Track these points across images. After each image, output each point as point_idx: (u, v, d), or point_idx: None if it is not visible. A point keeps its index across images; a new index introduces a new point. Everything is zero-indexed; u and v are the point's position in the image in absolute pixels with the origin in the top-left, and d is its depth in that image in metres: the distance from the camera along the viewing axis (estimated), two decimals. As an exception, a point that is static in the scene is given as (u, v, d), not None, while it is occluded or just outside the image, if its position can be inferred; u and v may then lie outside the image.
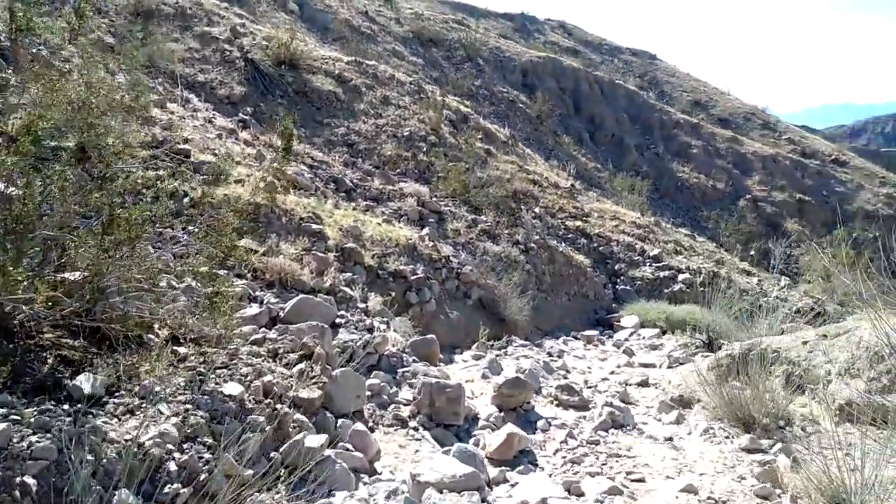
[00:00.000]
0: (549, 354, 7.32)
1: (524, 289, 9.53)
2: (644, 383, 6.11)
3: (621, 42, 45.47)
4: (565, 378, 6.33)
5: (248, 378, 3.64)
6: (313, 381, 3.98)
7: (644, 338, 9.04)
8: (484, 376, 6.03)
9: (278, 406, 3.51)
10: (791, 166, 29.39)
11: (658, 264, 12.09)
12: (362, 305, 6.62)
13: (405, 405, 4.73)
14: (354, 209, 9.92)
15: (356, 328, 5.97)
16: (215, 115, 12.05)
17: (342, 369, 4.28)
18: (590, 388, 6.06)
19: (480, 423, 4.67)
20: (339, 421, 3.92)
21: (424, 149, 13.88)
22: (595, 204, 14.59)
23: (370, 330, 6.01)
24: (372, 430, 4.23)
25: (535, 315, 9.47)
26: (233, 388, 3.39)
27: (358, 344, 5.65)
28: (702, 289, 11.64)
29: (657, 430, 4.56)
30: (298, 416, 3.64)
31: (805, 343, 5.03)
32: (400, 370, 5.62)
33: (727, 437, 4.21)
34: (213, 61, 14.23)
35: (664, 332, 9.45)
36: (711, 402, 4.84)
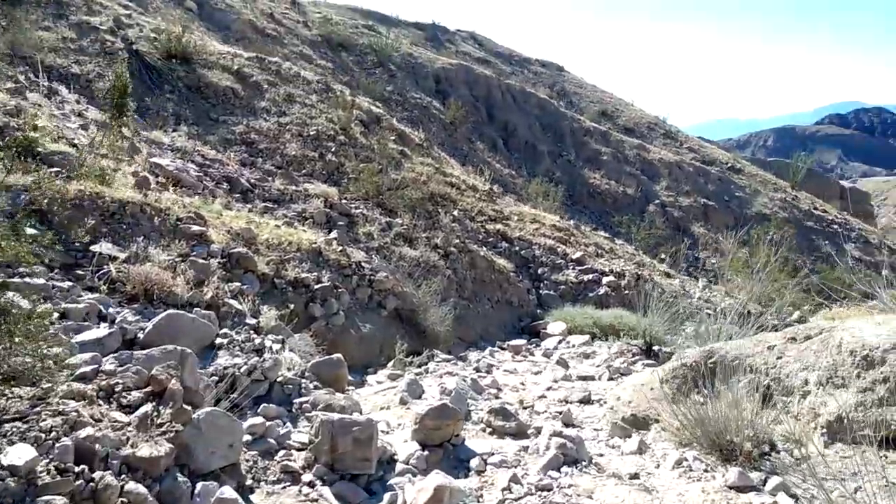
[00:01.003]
0: (477, 370, 6.41)
1: (445, 296, 8.62)
2: (587, 400, 5.30)
3: (530, 54, 46.06)
4: (497, 398, 5.43)
5: (53, 435, 2.45)
6: (161, 429, 2.83)
7: (574, 345, 8.33)
8: (402, 401, 5.02)
9: (97, 475, 2.35)
10: (694, 173, 30.32)
11: (581, 267, 11.53)
12: (252, 321, 5.45)
13: (299, 450, 3.64)
14: (250, 211, 8.68)
15: (242, 350, 4.80)
16: (88, 108, 10.49)
17: (209, 409, 3.14)
18: (526, 408, 5.18)
19: (398, 466, 3.66)
20: (200, 485, 2.79)
21: (333, 149, 12.76)
22: (514, 207, 13.95)
23: (260, 351, 4.86)
24: (250, 490, 3.12)
25: (458, 325, 8.56)
26: (18, 455, 2.20)
27: (242, 370, 4.49)
28: (627, 292, 11.19)
29: (618, 463, 3.72)
30: (132, 485, 2.49)
31: (771, 348, 4.37)
32: (296, 400, 4.51)
33: (706, 471, 3.43)
34: (90, 52, 12.62)
35: (593, 338, 8.79)
36: (673, 423, 4.07)
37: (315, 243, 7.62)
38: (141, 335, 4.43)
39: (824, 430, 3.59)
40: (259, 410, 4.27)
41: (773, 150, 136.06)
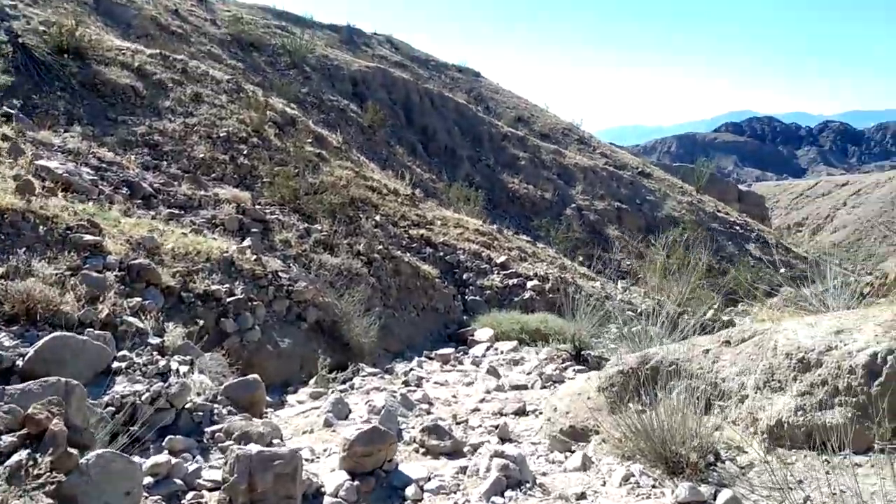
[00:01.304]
0: (406, 384, 6.08)
1: (369, 306, 8.24)
2: (522, 411, 5.11)
3: (447, 59, 46.32)
4: (429, 413, 5.13)
5: None
6: (39, 481, 2.35)
7: (502, 352, 8.18)
8: (327, 423, 4.63)
9: (-55, 552, 1.87)
10: (608, 177, 31.32)
11: (506, 272, 11.45)
12: (156, 341, 4.90)
13: (212, 490, 3.20)
14: (154, 218, 7.97)
15: (143, 374, 4.27)
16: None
17: (100, 452, 2.66)
18: (460, 423, 4.91)
19: (326, 500, 3.29)
20: (87, 547, 2.34)
21: (246, 151, 12.08)
22: (437, 212, 13.73)
23: (164, 375, 4.34)
24: (152, 546, 2.68)
25: (384, 335, 8.21)
26: None
27: (144, 398, 3.98)
28: (552, 295, 11.20)
29: (563, 482, 3.51)
30: (-4, 558, 2.02)
31: (707, 352, 4.33)
32: (208, 429, 4.04)
33: (654, 486, 3.28)
34: (-35, 45, 11.37)
35: (521, 344, 8.68)
36: (614, 434, 3.92)
37: (227, 252, 7.07)
38: (20, 362, 3.85)
39: (765, 436, 3.54)
40: (164, 444, 3.78)
41: (677, 155, 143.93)
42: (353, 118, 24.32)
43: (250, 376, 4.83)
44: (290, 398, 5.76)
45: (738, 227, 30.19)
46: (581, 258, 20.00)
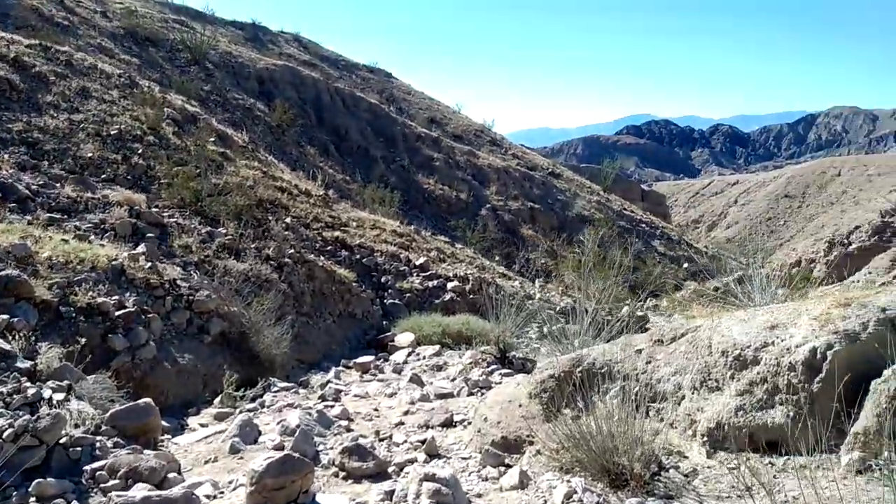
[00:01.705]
0: (323, 398, 5.60)
1: (281, 314, 7.68)
2: (449, 423, 4.78)
3: (357, 59, 45.61)
4: (349, 430, 4.71)
5: None
6: None
7: (424, 357, 7.84)
8: (234, 450, 4.12)
9: None
10: (521, 178, 31.76)
11: (425, 274, 11.14)
12: (25, 364, 4.20)
13: (87, 547, 2.66)
14: (30, 223, 7.06)
15: (6, 405, 3.61)
16: None
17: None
18: (383, 440, 4.53)
19: (232, 545, 2.82)
20: None
21: (140, 150, 11.10)
22: (352, 213, 13.22)
23: (34, 405, 3.69)
24: None
25: (297, 345, 7.67)
26: None
27: (6, 434, 3.34)
28: (472, 296, 11.00)
29: (502, 504, 3.22)
30: None
31: (640, 352, 4.17)
32: (88, 467, 3.45)
33: (600, 503, 3.04)
34: None
35: (443, 347, 8.38)
36: (550, 444, 3.67)
37: (116, 260, 6.32)
38: None
39: (705, 439, 3.39)
40: (31, 489, 3.17)
41: (583, 157, 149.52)
42: (260, 117, 23.28)
43: (142, 401, 4.23)
44: (192, 421, 5.16)
45: (644, 225, 31.42)
46: (498, 258, 20.05)
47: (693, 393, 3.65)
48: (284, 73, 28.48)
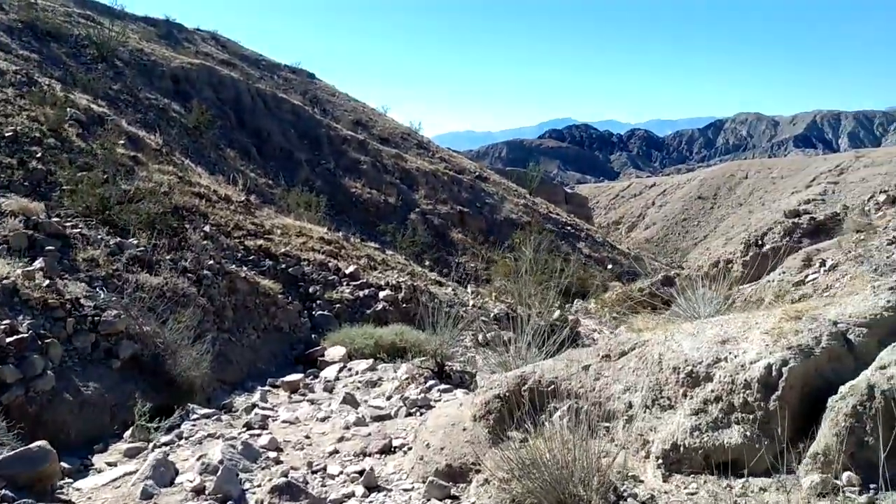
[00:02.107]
0: (249, 426, 5.15)
1: (201, 331, 7.11)
2: (388, 449, 4.47)
3: (279, 59, 44.37)
4: (278, 462, 4.32)
5: None
6: None
7: (357, 373, 7.48)
8: (146, 495, 3.65)
9: None
10: (449, 181, 31.72)
11: (356, 283, 10.74)
12: None
13: None
14: None
15: None
16: None
17: None
18: (317, 471, 4.17)
19: None
20: None
21: (39, 154, 10.16)
22: (276, 220, 12.63)
23: None
24: None
25: (220, 365, 7.13)
26: None
27: None
28: (405, 305, 10.70)
29: (453, 547, 2.96)
30: None
31: (587, 368, 4.02)
32: (-35, 533, 2.92)
33: (559, 541, 2.83)
34: None
35: (377, 361, 8.03)
36: (498, 473, 3.44)
37: (7, 278, 5.63)
38: None
39: (660, 461, 3.25)
40: None
41: (508, 160, 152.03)
42: (175, 118, 22.10)
43: (35, 444, 3.69)
44: (99, 460, 4.61)
45: (569, 227, 32.06)
46: (428, 263, 19.84)
47: (645, 412, 3.51)
48: (202, 72, 27.24)
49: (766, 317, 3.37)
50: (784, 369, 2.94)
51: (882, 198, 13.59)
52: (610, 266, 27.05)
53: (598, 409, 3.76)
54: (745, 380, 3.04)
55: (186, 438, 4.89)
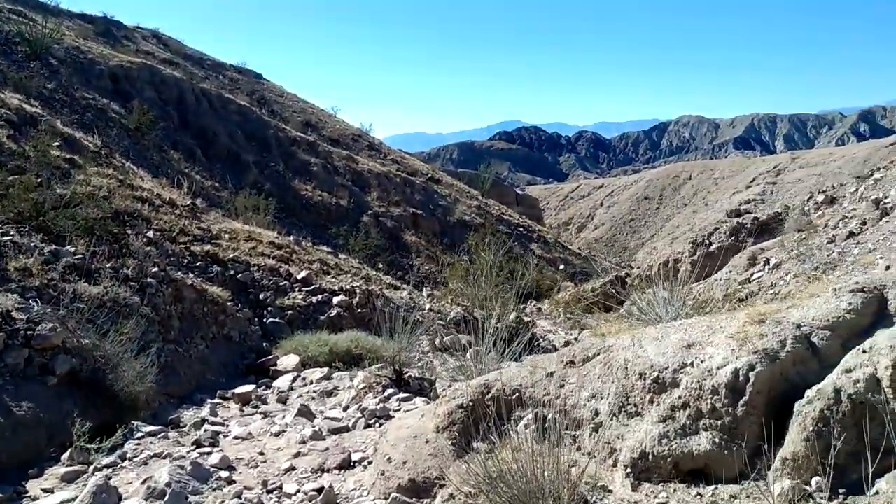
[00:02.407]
0: (198, 444, 4.87)
1: (145, 342, 6.74)
2: (347, 464, 4.30)
3: (224, 59, 43.24)
4: (231, 482, 4.09)
5: None
6: None
7: (312, 382, 7.25)
8: (86, 525, 3.38)
9: None
10: (402, 183, 31.52)
11: (308, 288, 10.47)
12: None
13: None
14: None
15: None
16: None
17: None
18: (272, 491, 3.96)
19: None
20: None
21: (-36, 157, 9.51)
22: (224, 224, 12.21)
23: None
24: None
25: (166, 377, 6.78)
26: None
27: None
28: (360, 310, 10.49)
29: (420, 570, 2.82)
30: None
31: (551, 375, 3.95)
32: None
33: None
34: None
35: (332, 369, 7.82)
36: (464, 488, 3.33)
37: (-72, 292, 5.19)
38: None
39: (629, 470, 3.20)
40: None
41: (459, 162, 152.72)
42: (115, 119, 21.21)
43: (-41, 475, 3.37)
44: (33, 486, 4.27)
45: (521, 229, 32.31)
46: (382, 266, 19.60)
47: (612, 419, 3.46)
48: (143, 71, 26.27)
49: (729, 320, 3.36)
50: (751, 374, 2.92)
51: (821, 198, 14.15)
52: (562, 266, 27.36)
53: (565, 417, 3.70)
54: (713, 385, 3.02)
55: (130, 459, 4.59)
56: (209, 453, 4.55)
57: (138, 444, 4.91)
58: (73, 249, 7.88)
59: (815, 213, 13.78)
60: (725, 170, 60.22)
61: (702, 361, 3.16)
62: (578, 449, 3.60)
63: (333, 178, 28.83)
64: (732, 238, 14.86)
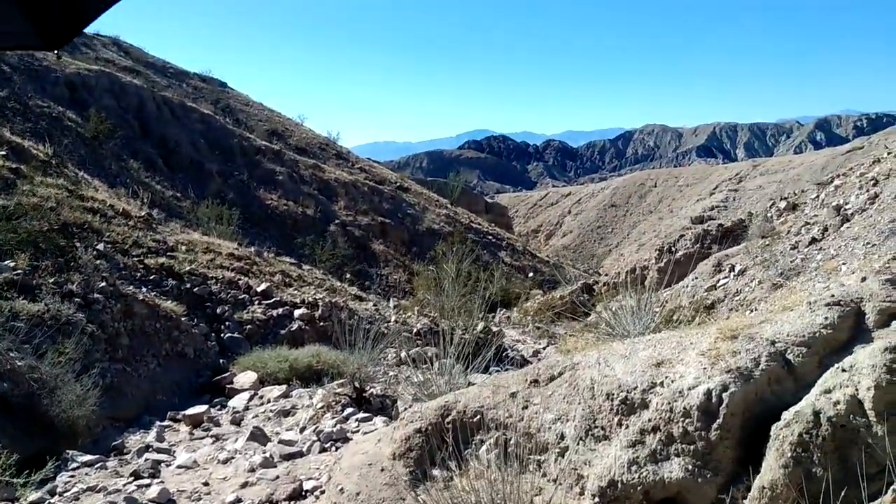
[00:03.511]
0: (136, 475, 4.50)
1: (88, 362, 6.35)
2: (298, 494, 3.99)
3: (188, 67, 42.37)
4: (170, 519, 3.75)
5: None
6: None
7: (269, 401, 6.92)
8: (-2, 576, 3.02)
9: None
10: (369, 192, 31.17)
11: (268, 301, 10.09)
12: None
13: None
14: None
15: None
16: None
17: None
18: (215, 526, 3.64)
19: None
20: None
21: None
22: (181, 235, 11.75)
23: None
24: None
25: (111, 400, 6.37)
26: None
27: None
28: (322, 324, 10.15)
29: None
30: None
31: (513, 395, 3.72)
32: None
33: None
34: None
35: (291, 386, 7.48)
36: (423, 519, 3.07)
37: None
38: None
39: (597, 499, 2.99)
40: None
41: (428, 170, 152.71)
42: (71, 128, 20.54)
43: None
44: (-52, 528, 3.87)
45: (490, 237, 32.20)
46: (349, 275, 19.23)
47: (578, 444, 3.24)
48: (101, 78, 25.54)
49: (700, 336, 3.18)
50: (724, 395, 2.73)
51: (783, 204, 14.28)
52: (531, 274, 27.30)
53: (529, 441, 3.47)
54: (684, 407, 2.82)
55: (61, 494, 4.21)
56: (148, 485, 4.19)
57: (72, 477, 4.53)
58: (12, 264, 7.41)
59: (777, 220, 13.88)
60: (689, 177, 61.22)
61: (672, 381, 2.96)
62: (544, 475, 3.37)
63: (300, 188, 28.36)
64: (698, 245, 14.90)
